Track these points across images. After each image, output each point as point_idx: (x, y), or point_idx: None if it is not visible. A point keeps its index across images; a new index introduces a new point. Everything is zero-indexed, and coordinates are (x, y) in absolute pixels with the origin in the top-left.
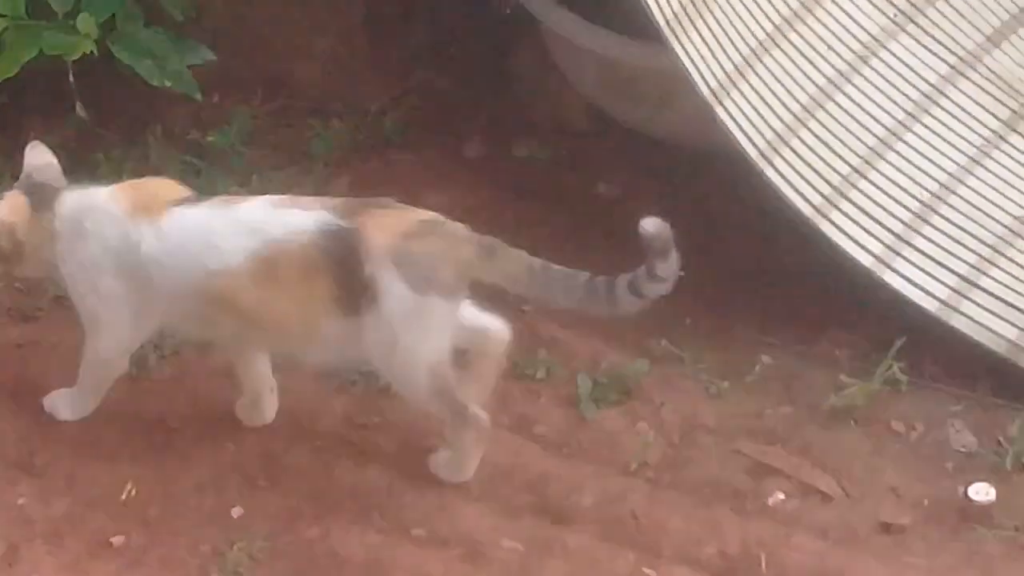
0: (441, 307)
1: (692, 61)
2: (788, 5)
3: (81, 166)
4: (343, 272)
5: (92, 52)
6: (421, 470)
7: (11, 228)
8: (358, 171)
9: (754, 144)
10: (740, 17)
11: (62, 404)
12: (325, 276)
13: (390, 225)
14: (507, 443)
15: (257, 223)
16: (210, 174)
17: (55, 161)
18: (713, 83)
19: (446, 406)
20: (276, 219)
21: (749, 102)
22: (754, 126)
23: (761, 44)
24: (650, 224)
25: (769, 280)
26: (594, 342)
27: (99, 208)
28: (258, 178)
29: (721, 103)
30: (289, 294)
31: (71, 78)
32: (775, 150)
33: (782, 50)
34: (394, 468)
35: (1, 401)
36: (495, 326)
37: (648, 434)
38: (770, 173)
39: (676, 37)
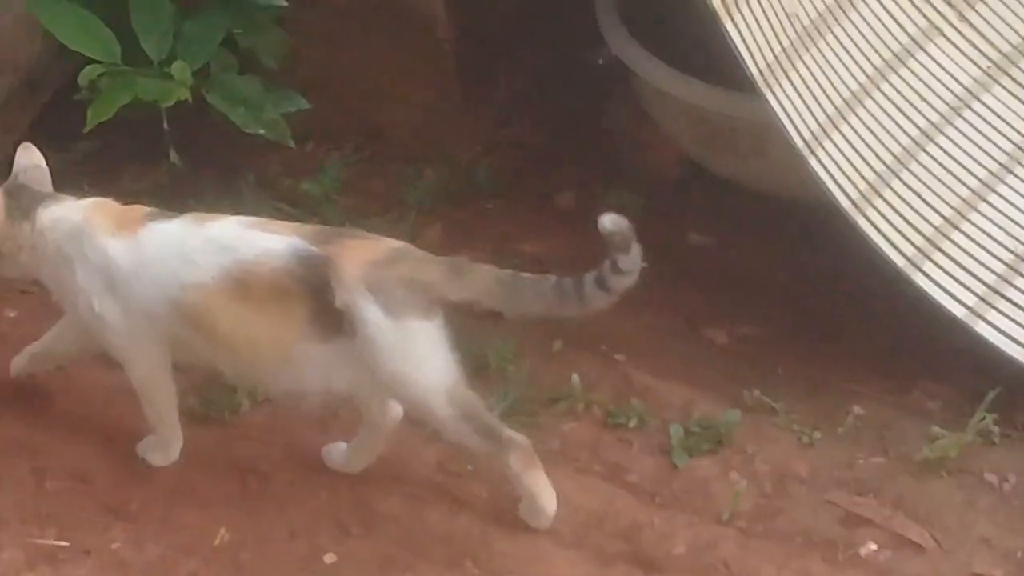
0: (421, 328)
1: (785, 111)
2: (881, 56)
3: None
4: (315, 298)
5: (186, 99)
6: (513, 517)
7: None
8: (450, 220)
9: (846, 195)
10: (833, 68)
11: (151, 449)
12: (297, 301)
13: (360, 254)
14: (600, 491)
15: (228, 242)
16: (303, 222)
17: (44, 164)
18: (806, 133)
19: (476, 433)
20: (247, 240)
21: (842, 152)
22: (847, 176)
23: (854, 95)
24: (608, 221)
25: (860, 330)
26: (686, 391)
27: (76, 230)
28: (350, 226)
29: (814, 153)
30: (260, 316)
31: (165, 125)
32: (867, 201)
33: (875, 100)
34: (486, 515)
35: (95, 446)
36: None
37: (740, 483)
38: (862, 224)
39: (769, 87)
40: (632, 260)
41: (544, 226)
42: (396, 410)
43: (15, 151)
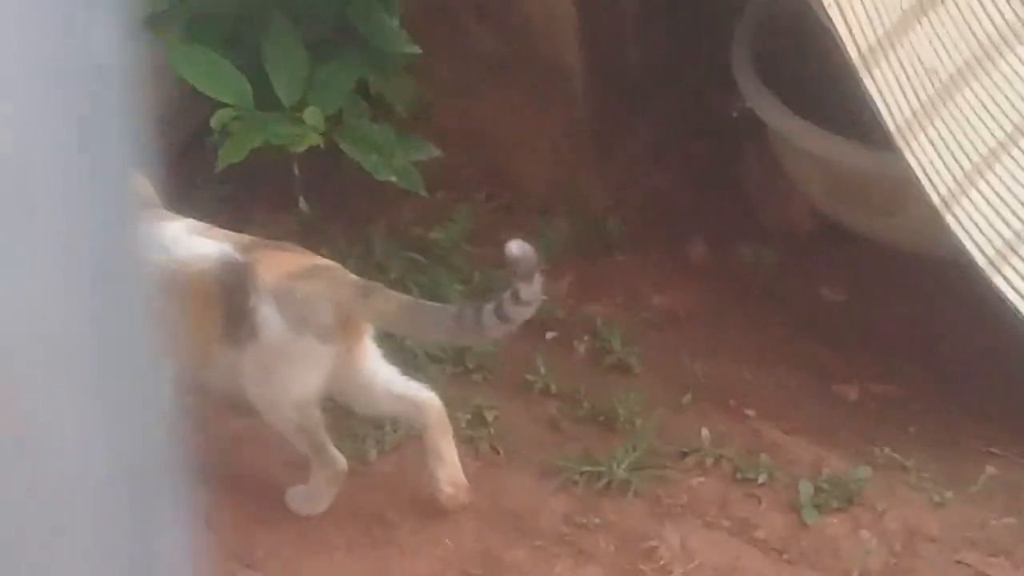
0: (316, 349)
1: (922, 167)
2: (1020, 112)
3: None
4: (232, 304)
5: (318, 145)
6: (640, 571)
7: None
8: (581, 271)
9: (982, 252)
10: (971, 124)
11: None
12: (217, 305)
13: (281, 265)
14: (727, 547)
15: (170, 241)
16: (433, 271)
17: None
18: (943, 190)
19: (308, 443)
20: (186, 241)
21: (978, 209)
22: (983, 234)
23: (992, 151)
24: (515, 247)
25: (994, 389)
26: (816, 448)
27: None
28: (480, 275)
29: (950, 210)
30: (187, 316)
31: (296, 170)
32: (1004, 259)
33: (1013, 157)
34: (613, 568)
35: (220, 493)
36: (423, 395)
37: (870, 542)
38: (998, 282)
39: (907, 143)
40: (533, 291)
41: (675, 278)
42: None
43: None
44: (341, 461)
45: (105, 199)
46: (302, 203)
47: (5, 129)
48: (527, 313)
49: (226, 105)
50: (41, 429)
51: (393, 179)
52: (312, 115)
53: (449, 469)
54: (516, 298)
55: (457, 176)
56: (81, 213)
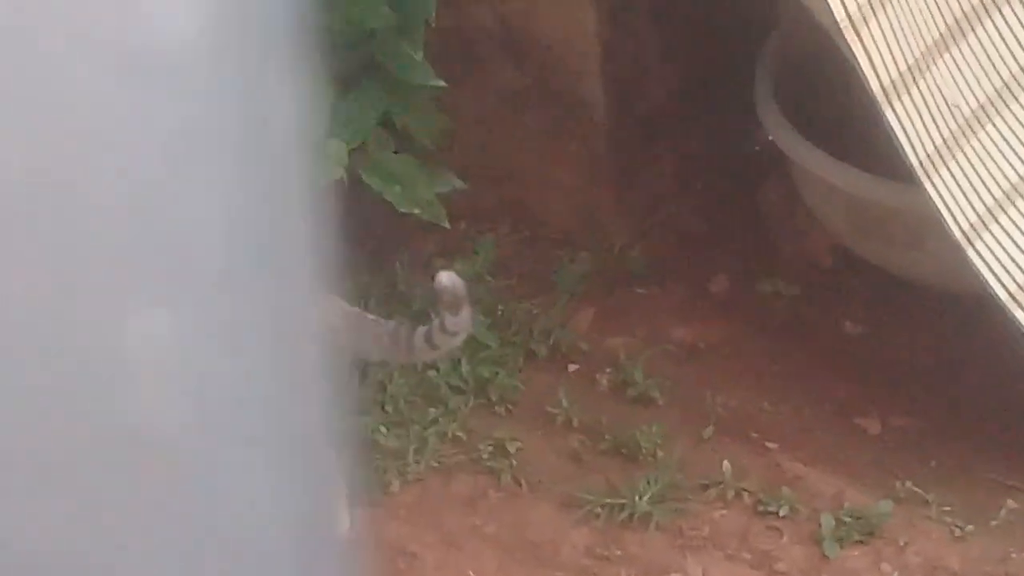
0: None
1: (944, 202)
2: None
3: None
4: None
5: (341, 177)
6: None
7: None
8: (602, 304)
9: (1004, 287)
10: (993, 159)
11: None
12: None
13: None
14: None
15: None
16: None
17: None
18: (964, 224)
19: None
20: None
21: (1000, 244)
22: (1004, 269)
23: (1014, 186)
24: (444, 277)
25: (1015, 423)
26: (837, 481)
27: None
28: (502, 308)
29: (972, 244)
30: None
31: None
32: None
33: None
34: None
35: None
36: None
37: (891, 575)
38: (1020, 316)
39: (929, 178)
40: (460, 322)
41: (697, 312)
42: None
43: None
44: None
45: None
46: None
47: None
48: (455, 342)
49: None
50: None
51: (416, 211)
52: (336, 148)
53: None
54: (443, 327)
55: (480, 208)
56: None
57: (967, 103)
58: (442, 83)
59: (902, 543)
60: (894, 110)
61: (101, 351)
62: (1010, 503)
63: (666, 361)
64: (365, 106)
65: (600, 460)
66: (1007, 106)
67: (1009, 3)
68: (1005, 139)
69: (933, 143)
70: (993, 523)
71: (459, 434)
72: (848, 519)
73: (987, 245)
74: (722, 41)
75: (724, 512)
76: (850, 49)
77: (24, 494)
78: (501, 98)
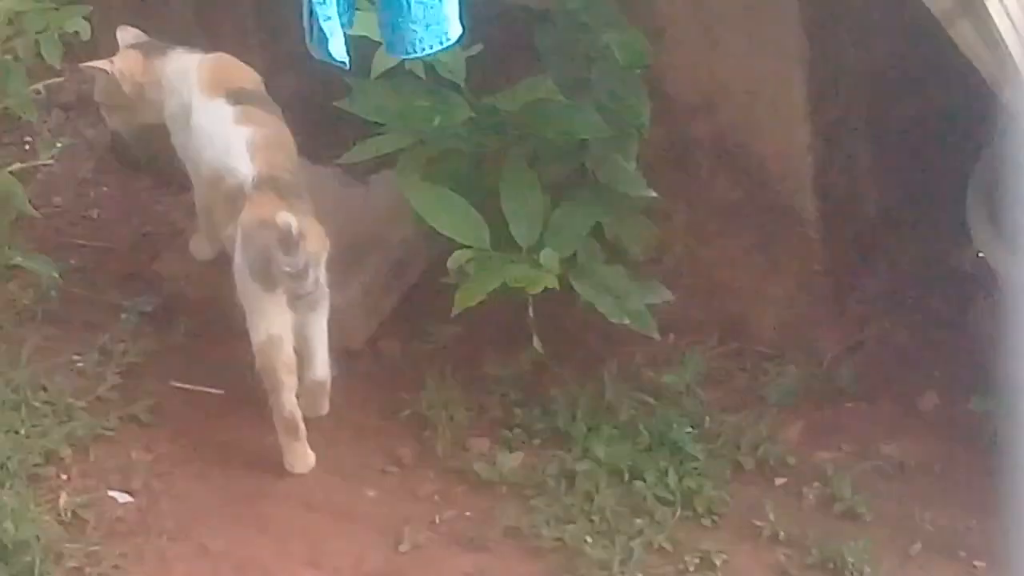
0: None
1: None
2: None
3: (533, 400)
4: None
5: (554, 287)
6: None
7: (131, 73)
8: (810, 418)
9: None
10: None
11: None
12: None
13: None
14: None
15: None
16: (664, 414)
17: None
18: None
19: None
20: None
21: None
22: None
23: None
24: (279, 217)
25: None
26: None
27: (184, 70)
28: (710, 420)
29: None
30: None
31: (531, 312)
32: None
33: None
34: None
35: None
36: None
37: None
38: None
39: None
40: (294, 262)
41: (906, 428)
42: None
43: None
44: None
45: None
46: (536, 342)
47: None
48: (298, 287)
49: (463, 245)
50: None
51: (626, 321)
52: (549, 257)
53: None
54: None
55: (689, 320)
56: None
57: None
58: (654, 194)
59: None
60: None
61: None
62: None
63: (874, 477)
64: (578, 216)
65: (806, 575)
66: None
67: None
68: None
69: None
70: None
71: (665, 545)
72: None
73: None
74: (934, 158)
75: None
76: None
77: None
78: (713, 210)
